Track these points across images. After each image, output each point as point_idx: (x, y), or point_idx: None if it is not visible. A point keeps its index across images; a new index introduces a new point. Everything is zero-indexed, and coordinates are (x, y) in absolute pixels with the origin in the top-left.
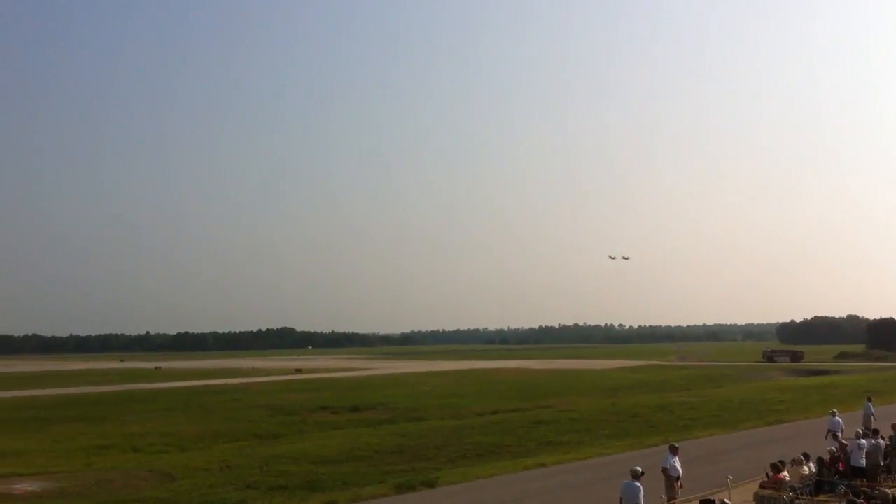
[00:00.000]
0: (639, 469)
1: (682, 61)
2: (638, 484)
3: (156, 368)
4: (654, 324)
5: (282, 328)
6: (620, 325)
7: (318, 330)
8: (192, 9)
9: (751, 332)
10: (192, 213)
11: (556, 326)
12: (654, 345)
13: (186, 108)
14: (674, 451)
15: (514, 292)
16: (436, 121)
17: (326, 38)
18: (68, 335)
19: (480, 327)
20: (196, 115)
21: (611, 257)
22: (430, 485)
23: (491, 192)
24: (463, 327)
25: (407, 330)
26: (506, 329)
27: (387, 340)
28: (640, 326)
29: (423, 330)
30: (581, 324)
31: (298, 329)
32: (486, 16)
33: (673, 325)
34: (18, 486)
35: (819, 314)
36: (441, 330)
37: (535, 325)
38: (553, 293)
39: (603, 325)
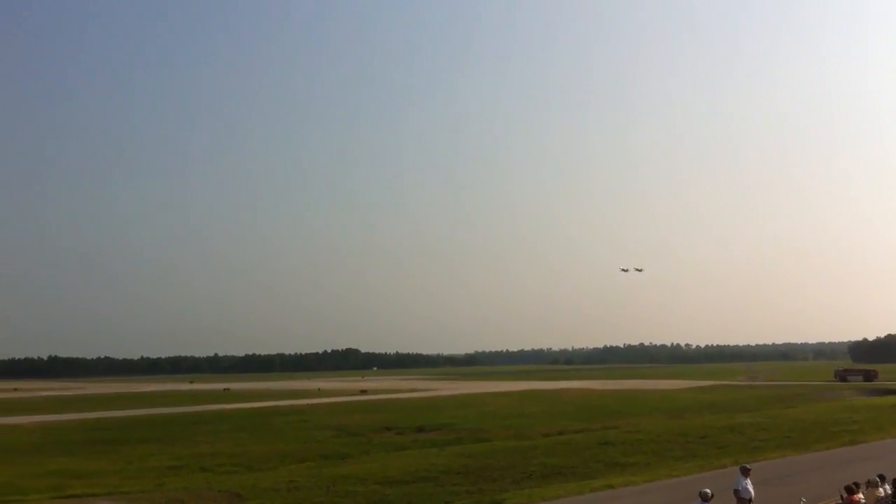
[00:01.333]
0: (708, 492)
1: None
2: None
3: (224, 390)
4: (721, 343)
5: (346, 349)
6: (687, 345)
7: (383, 351)
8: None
9: (822, 351)
10: (260, 240)
11: (622, 346)
12: (722, 364)
13: (250, 136)
14: (745, 472)
15: (578, 312)
16: (509, 138)
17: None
18: (139, 357)
19: (545, 347)
20: (255, 145)
21: (623, 269)
22: None
23: (557, 210)
24: (527, 347)
25: (471, 350)
26: (570, 349)
27: (451, 361)
28: (707, 346)
29: (488, 350)
30: (647, 343)
31: (363, 350)
32: (519, 31)
33: (741, 343)
34: None
35: (893, 332)
36: (505, 350)
37: (600, 345)
38: (618, 313)
39: (669, 344)
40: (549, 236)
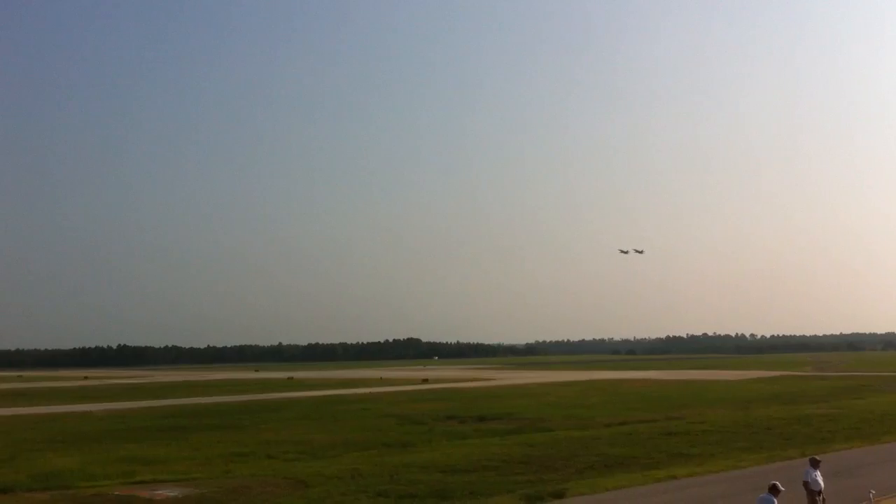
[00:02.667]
0: (778, 484)
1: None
2: (775, 500)
3: (288, 378)
4: (787, 333)
5: (408, 339)
6: (752, 335)
7: (444, 340)
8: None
9: (891, 342)
10: (324, 231)
11: (685, 336)
12: (788, 355)
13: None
14: (815, 464)
15: (640, 302)
16: (574, 129)
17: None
18: (205, 346)
19: (606, 337)
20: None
21: (622, 251)
22: (559, 496)
23: (622, 197)
24: (588, 337)
25: (532, 340)
26: (632, 339)
27: (511, 351)
28: (772, 336)
29: (548, 340)
30: (710, 333)
31: (424, 340)
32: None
33: (808, 334)
34: (160, 492)
35: None
36: (566, 340)
37: (663, 335)
38: (681, 303)
39: (733, 334)
40: (612, 226)
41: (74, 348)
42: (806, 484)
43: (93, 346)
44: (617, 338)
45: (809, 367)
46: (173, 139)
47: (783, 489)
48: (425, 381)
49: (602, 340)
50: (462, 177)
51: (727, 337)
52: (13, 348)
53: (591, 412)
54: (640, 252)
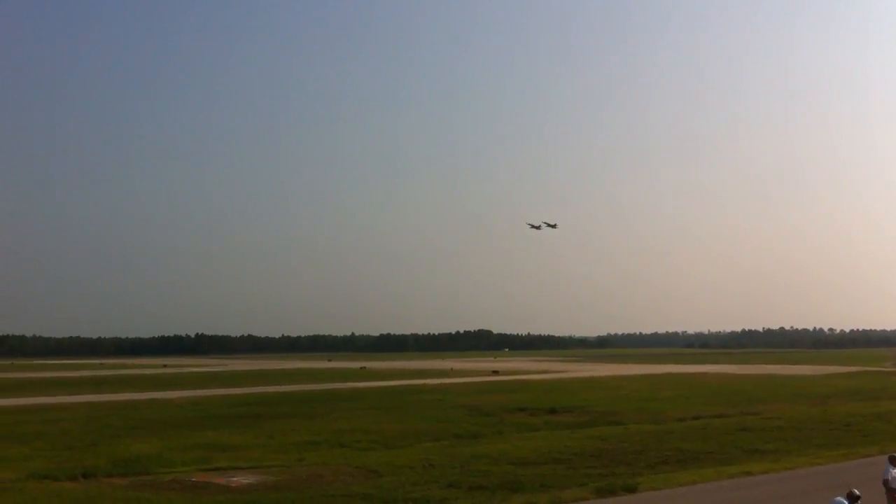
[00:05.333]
0: (855, 491)
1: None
2: None
3: (361, 368)
4: (867, 327)
5: (479, 330)
6: (830, 329)
7: (515, 332)
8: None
9: None
10: (397, 223)
11: (761, 330)
12: (869, 349)
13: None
14: (894, 462)
15: (715, 294)
16: (651, 128)
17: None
18: (280, 336)
19: (679, 330)
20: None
21: (533, 226)
22: (631, 490)
23: (712, 188)
24: (661, 330)
25: (603, 332)
26: (706, 332)
27: (582, 343)
28: (852, 330)
29: (620, 333)
30: (787, 327)
31: (495, 331)
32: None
33: (889, 328)
34: (235, 478)
35: None
36: (638, 333)
37: (738, 329)
38: (757, 294)
39: (811, 328)
40: (685, 216)
41: (153, 337)
42: (886, 482)
43: (171, 334)
44: (690, 331)
45: (890, 362)
46: (270, 127)
47: (860, 495)
48: (496, 372)
49: (675, 333)
50: (534, 167)
51: (804, 331)
52: (95, 337)
53: (664, 406)
54: (553, 226)
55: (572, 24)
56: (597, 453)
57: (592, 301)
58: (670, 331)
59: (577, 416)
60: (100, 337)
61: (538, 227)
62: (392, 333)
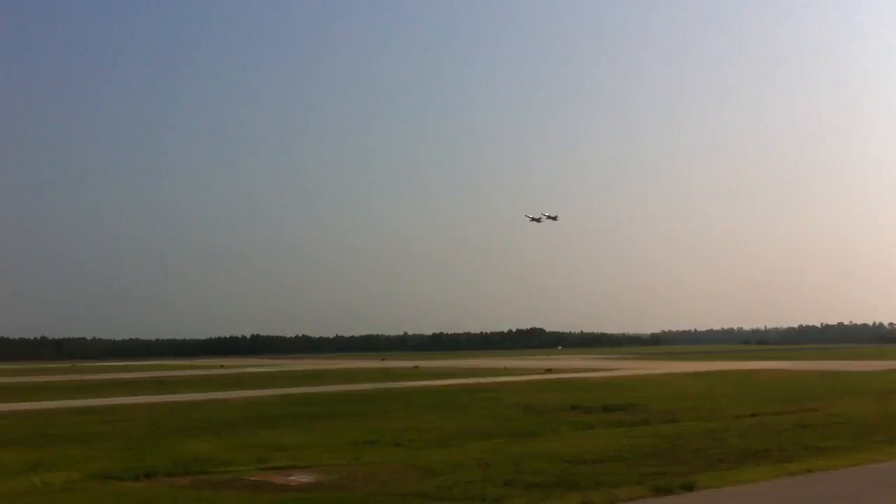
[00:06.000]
0: None
1: None
2: None
3: (414, 367)
4: None
5: (532, 328)
6: (891, 324)
7: (568, 330)
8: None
9: None
10: (447, 223)
11: (819, 326)
12: None
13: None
14: None
15: (771, 290)
16: (688, 123)
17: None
18: (334, 336)
19: (735, 327)
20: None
21: (533, 218)
22: (689, 488)
23: (748, 184)
24: (716, 327)
25: (657, 330)
26: (762, 328)
27: (636, 340)
28: None
29: (674, 330)
30: (846, 322)
31: (548, 329)
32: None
33: None
34: (293, 477)
35: None
36: (693, 330)
37: (795, 325)
38: (815, 290)
39: (871, 323)
40: (739, 212)
41: (210, 338)
42: None
43: (227, 335)
44: (746, 327)
45: None
46: (323, 130)
47: None
48: (549, 370)
49: (730, 330)
50: (576, 166)
51: (864, 326)
52: (153, 339)
53: (720, 403)
54: (554, 218)
55: (572, 25)
56: (653, 451)
57: (647, 298)
58: (725, 327)
59: (631, 413)
60: (157, 338)
61: (538, 220)
62: (445, 333)
